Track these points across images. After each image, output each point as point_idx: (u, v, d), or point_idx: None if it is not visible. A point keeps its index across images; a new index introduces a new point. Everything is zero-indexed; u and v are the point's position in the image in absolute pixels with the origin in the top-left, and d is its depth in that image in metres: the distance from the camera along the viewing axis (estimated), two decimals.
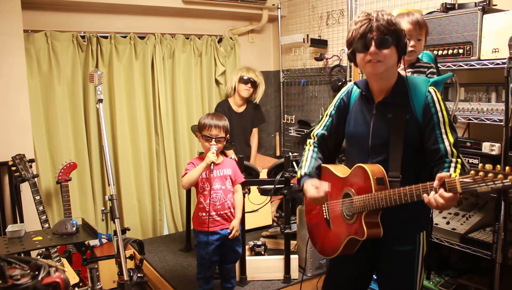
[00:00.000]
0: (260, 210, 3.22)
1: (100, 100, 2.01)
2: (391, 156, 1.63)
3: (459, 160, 1.58)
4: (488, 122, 2.30)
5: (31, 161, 2.84)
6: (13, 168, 2.73)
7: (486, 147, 2.28)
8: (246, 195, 2.83)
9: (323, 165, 1.88)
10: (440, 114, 1.60)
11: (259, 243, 3.09)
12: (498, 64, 2.18)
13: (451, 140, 1.59)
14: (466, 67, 2.32)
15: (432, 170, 1.63)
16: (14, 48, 2.91)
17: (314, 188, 1.72)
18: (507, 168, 1.18)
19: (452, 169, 1.55)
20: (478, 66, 2.27)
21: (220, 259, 2.66)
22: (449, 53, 2.36)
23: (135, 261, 3.16)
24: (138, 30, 3.72)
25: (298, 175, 1.86)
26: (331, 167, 1.85)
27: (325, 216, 1.87)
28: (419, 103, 1.62)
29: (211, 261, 2.57)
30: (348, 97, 1.83)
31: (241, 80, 3.70)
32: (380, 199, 1.55)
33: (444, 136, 1.59)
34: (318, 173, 1.86)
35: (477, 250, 2.30)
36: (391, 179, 1.60)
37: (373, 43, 1.55)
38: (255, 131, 3.97)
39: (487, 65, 2.23)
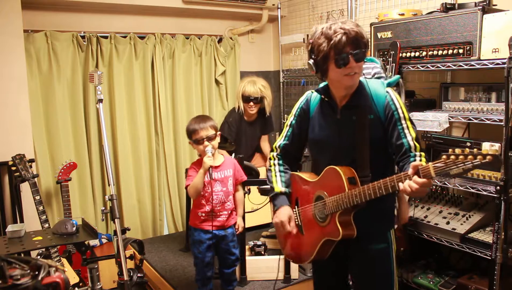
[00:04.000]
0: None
1: (100, 100, 2.01)
2: (358, 156, 1.69)
3: (422, 153, 1.63)
4: (488, 122, 2.30)
5: (31, 161, 2.84)
6: (13, 168, 2.73)
7: (486, 147, 2.27)
8: (246, 195, 2.84)
9: (291, 173, 1.96)
10: (400, 110, 1.67)
11: (259, 243, 3.08)
12: (498, 64, 2.17)
13: (413, 134, 1.65)
14: (466, 67, 2.32)
15: (397, 165, 1.69)
16: (14, 48, 2.91)
17: (287, 218, 1.83)
18: (475, 149, 1.27)
19: (417, 161, 1.58)
20: (478, 66, 2.27)
21: (219, 263, 2.66)
22: (449, 53, 2.36)
23: (135, 261, 3.15)
24: (138, 30, 3.72)
25: (277, 189, 1.91)
26: (300, 173, 1.92)
27: (296, 222, 1.90)
28: (380, 103, 1.70)
29: (205, 262, 2.56)
30: (308, 105, 1.88)
31: (243, 99, 3.58)
32: (354, 196, 1.59)
33: (406, 131, 1.65)
34: (289, 184, 1.94)
35: (477, 250, 2.29)
36: (361, 178, 1.65)
37: (351, 58, 1.58)
38: (264, 137, 3.89)
39: (487, 65, 2.23)
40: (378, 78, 1.89)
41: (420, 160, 1.60)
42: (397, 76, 1.84)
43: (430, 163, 1.38)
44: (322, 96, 1.81)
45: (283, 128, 1.99)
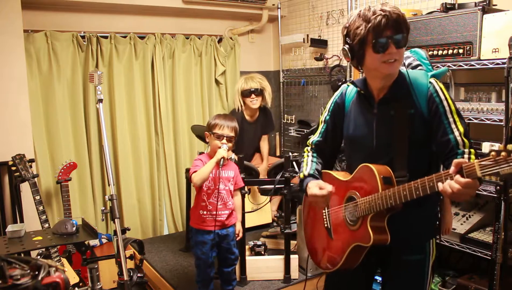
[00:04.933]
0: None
1: (100, 100, 2.01)
2: (396, 155, 1.54)
3: (472, 150, 1.46)
4: (488, 122, 2.30)
5: (31, 161, 2.84)
6: (13, 168, 2.73)
7: (486, 147, 2.28)
8: (246, 195, 2.84)
9: (323, 171, 1.82)
10: (445, 102, 1.51)
11: (259, 243, 3.09)
12: (498, 64, 2.18)
13: (461, 129, 1.48)
14: (466, 67, 2.32)
15: (444, 164, 1.53)
16: (14, 48, 2.91)
17: (317, 187, 1.64)
18: None
19: (466, 159, 1.39)
20: (478, 66, 2.27)
21: (219, 263, 2.67)
22: (449, 53, 2.36)
23: (135, 261, 3.15)
24: (138, 30, 3.72)
25: (301, 176, 1.78)
26: (332, 172, 1.78)
27: (325, 225, 1.75)
28: (422, 95, 1.53)
29: (208, 262, 2.56)
30: (343, 100, 1.75)
31: (244, 94, 3.61)
32: (388, 197, 1.43)
33: (453, 126, 1.49)
34: (320, 176, 1.78)
35: (477, 250, 2.30)
36: (398, 179, 1.50)
37: (391, 43, 1.45)
38: (264, 137, 3.94)
39: (487, 65, 2.23)
40: (415, 67, 1.73)
41: (469, 158, 1.42)
42: (445, 68, 1.67)
43: (475, 161, 1.19)
44: (358, 89, 1.66)
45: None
